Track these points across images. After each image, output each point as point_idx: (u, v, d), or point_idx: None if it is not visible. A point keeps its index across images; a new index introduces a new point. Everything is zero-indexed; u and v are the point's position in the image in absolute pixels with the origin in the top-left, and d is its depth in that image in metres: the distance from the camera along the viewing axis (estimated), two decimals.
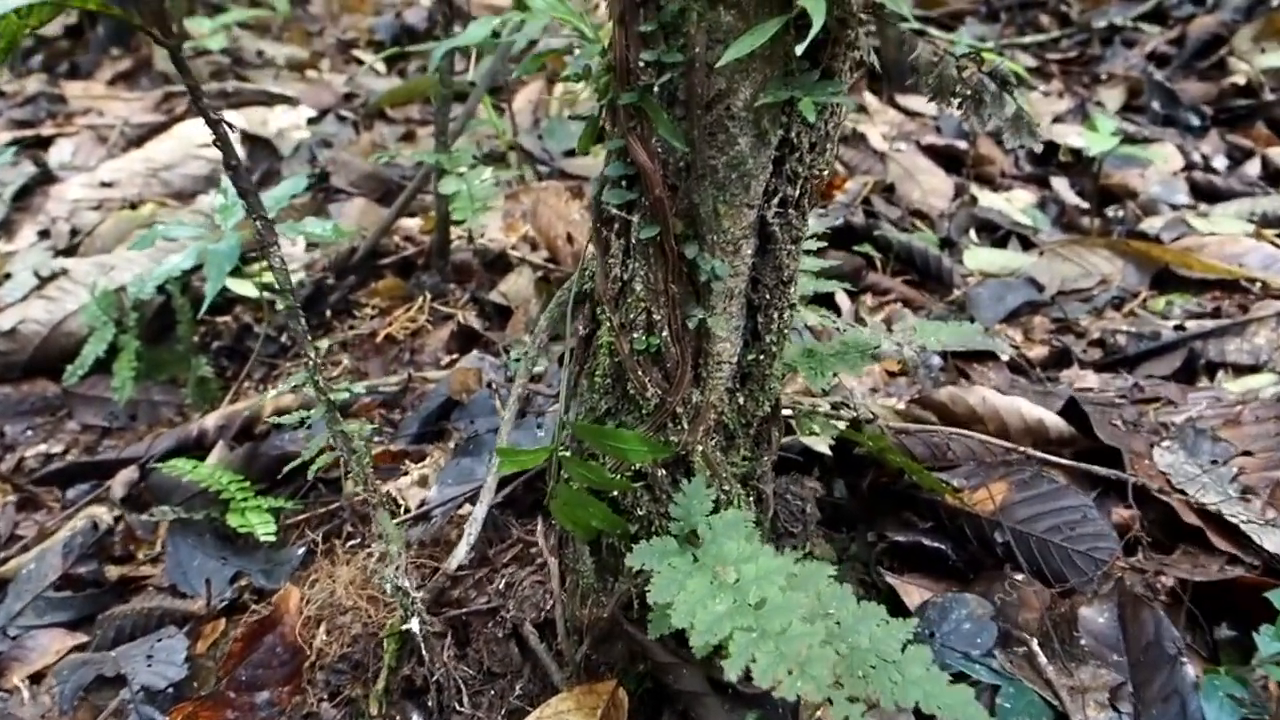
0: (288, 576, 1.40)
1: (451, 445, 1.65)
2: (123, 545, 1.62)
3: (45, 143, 3.21)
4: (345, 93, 3.47)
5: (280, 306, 1.02)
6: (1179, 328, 1.99)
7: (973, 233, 2.54)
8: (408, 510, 1.50)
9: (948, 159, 2.87)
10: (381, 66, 3.70)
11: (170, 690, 1.30)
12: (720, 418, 1.12)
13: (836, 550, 1.34)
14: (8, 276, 2.47)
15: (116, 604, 1.47)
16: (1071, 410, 1.56)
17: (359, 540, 1.52)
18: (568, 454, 1.10)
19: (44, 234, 2.73)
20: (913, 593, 1.28)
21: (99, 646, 1.41)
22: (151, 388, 2.10)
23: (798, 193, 1.02)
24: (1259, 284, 2.20)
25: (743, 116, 0.94)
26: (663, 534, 1.13)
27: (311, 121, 3.24)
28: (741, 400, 1.13)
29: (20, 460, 1.99)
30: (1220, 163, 2.89)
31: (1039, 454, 1.39)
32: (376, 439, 1.77)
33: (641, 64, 0.92)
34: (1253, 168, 2.84)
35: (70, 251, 2.56)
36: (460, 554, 1.17)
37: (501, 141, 2.64)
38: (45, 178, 2.97)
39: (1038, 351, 2.00)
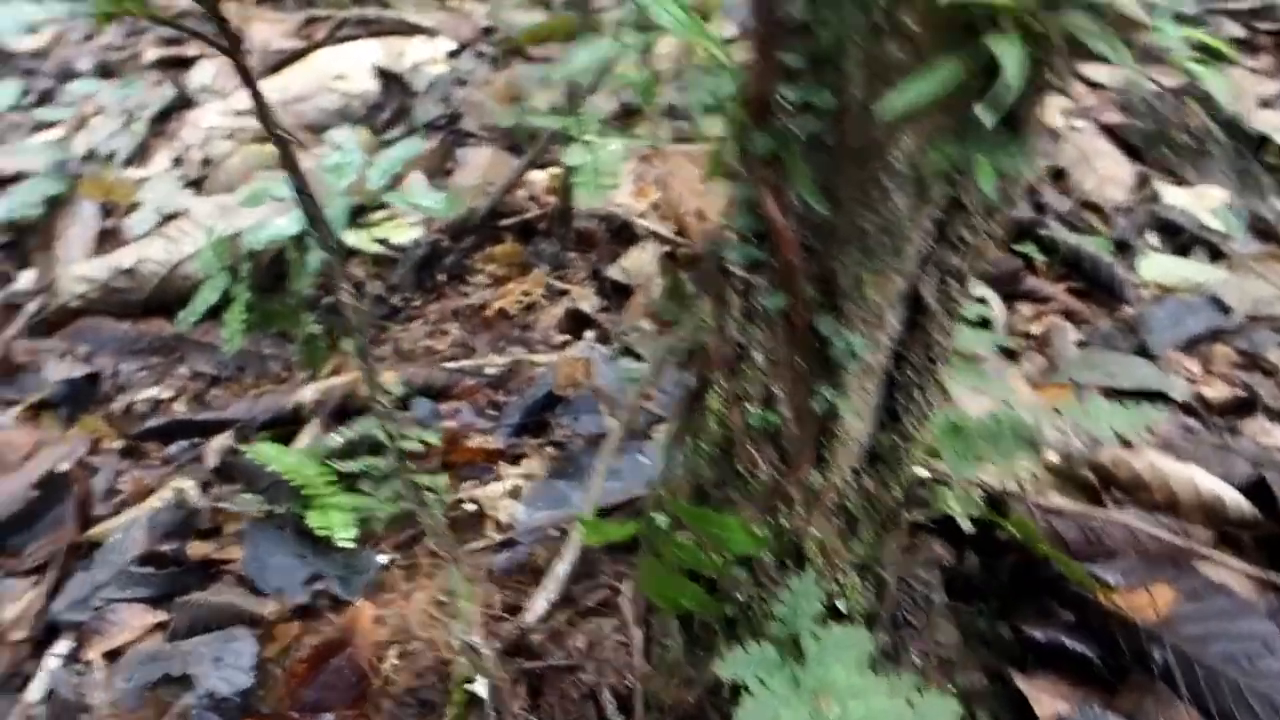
0: (363, 589, 1.32)
1: (550, 451, 1.54)
2: (209, 518, 1.57)
3: (188, 64, 3.19)
4: (485, 26, 3.33)
5: (351, 349, 0.91)
6: None
7: (1151, 235, 2.26)
8: (496, 523, 1.40)
9: (1131, 143, 2.57)
10: None
11: (236, 699, 1.24)
12: (842, 500, 0.97)
13: (962, 633, 1.18)
14: (135, 206, 2.47)
15: (196, 586, 1.42)
16: (1258, 488, 1.34)
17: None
18: (661, 527, 0.97)
19: (177, 161, 2.71)
20: (1046, 702, 1.11)
21: (174, 633, 1.36)
22: (261, 339, 2.05)
23: (962, 261, 0.84)
24: None
25: (902, 171, 0.76)
26: (762, 624, 0.99)
27: (450, 55, 3.13)
28: (869, 484, 0.97)
29: (130, 405, 1.98)
30: None
31: (1214, 554, 1.19)
32: (477, 425, 1.67)
33: (782, 103, 0.75)
34: None
35: (199, 184, 2.53)
36: (538, 609, 1.06)
37: (640, 96, 2.46)
38: (183, 102, 2.95)
39: (1217, 391, 1.75)
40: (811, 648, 0.88)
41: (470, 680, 1.03)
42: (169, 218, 2.33)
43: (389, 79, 2.87)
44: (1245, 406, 1.73)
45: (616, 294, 1.98)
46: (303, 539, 1.40)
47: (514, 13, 3.44)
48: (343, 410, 1.70)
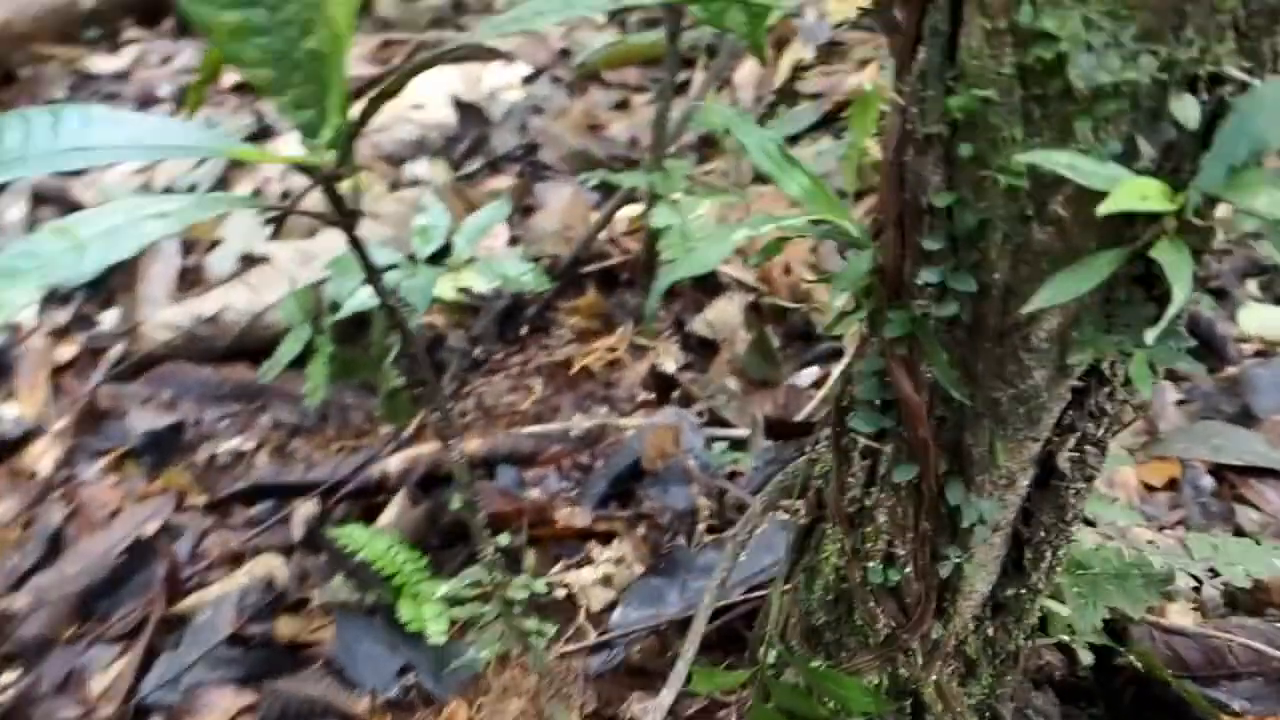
0: (456, 685, 1.31)
1: (640, 531, 1.52)
2: (296, 586, 1.57)
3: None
4: (562, 48, 3.31)
5: (455, 504, 0.89)
6: None
7: (1251, 282, 2.17)
8: (587, 611, 1.38)
9: None
10: (601, 17, 3.51)
11: None
12: (961, 647, 0.94)
13: None
14: (216, 244, 2.49)
15: (285, 669, 1.42)
16: None
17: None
18: (774, 675, 0.95)
19: (256, 193, 2.73)
20: None
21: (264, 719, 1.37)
22: (344, 390, 2.06)
23: (1100, 430, 0.80)
24: None
25: (1042, 349, 0.72)
26: None
27: (526, 81, 3.11)
28: (991, 632, 0.93)
29: (213, 456, 1.99)
30: None
31: None
32: (563, 494, 1.66)
33: (919, 284, 0.71)
34: None
35: (279, 221, 2.55)
36: None
37: (719, 130, 2.42)
38: (263, 130, 2.97)
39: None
40: None
41: None
42: (249, 260, 2.34)
43: (466, 109, 2.86)
44: None
45: (702, 349, 1.95)
46: (393, 627, 1.39)
47: (589, 34, 3.41)
48: (430, 479, 1.70)
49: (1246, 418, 1.77)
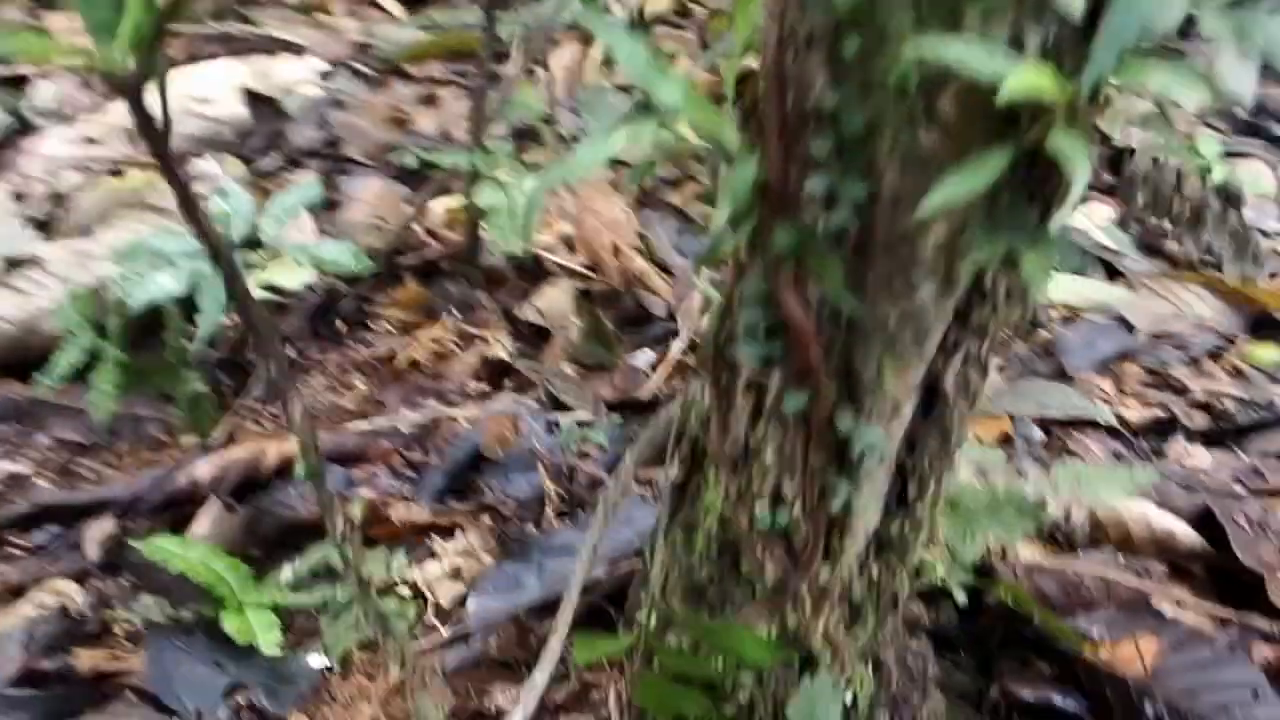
0: (295, 699, 1.19)
1: (486, 521, 1.43)
2: (95, 613, 1.40)
3: (21, 82, 2.91)
4: (360, 42, 3.16)
5: (300, 473, 0.79)
6: None
7: None
8: (438, 608, 1.28)
9: None
10: (401, 11, 3.38)
11: None
12: (847, 592, 0.91)
13: (947, 697, 1.14)
14: None
15: (89, 707, 1.25)
16: (1205, 520, 1.35)
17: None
18: (654, 634, 0.89)
19: (18, 197, 2.47)
20: None
21: None
22: (135, 401, 1.86)
23: (983, 348, 0.79)
24: None
25: (929, 260, 0.70)
26: None
27: (322, 76, 2.95)
28: (875, 573, 0.91)
29: None
30: None
31: (1180, 594, 1.18)
32: (398, 492, 1.56)
33: (806, 195, 0.68)
34: None
35: (46, 225, 2.30)
36: None
37: (534, 117, 2.36)
38: (22, 126, 2.69)
39: (1136, 413, 1.78)
40: None
41: None
42: (14, 264, 2.10)
43: (259, 102, 2.68)
44: (1164, 427, 1.76)
45: (533, 336, 1.88)
46: (217, 644, 1.25)
47: (388, 28, 3.28)
48: (245, 485, 1.55)
49: (1062, 376, 1.86)
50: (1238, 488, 1.56)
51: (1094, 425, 1.69)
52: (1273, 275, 2.20)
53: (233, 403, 1.83)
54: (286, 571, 1.16)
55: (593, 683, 1.12)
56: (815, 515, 0.81)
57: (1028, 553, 1.20)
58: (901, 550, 0.89)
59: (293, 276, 2.04)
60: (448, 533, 1.42)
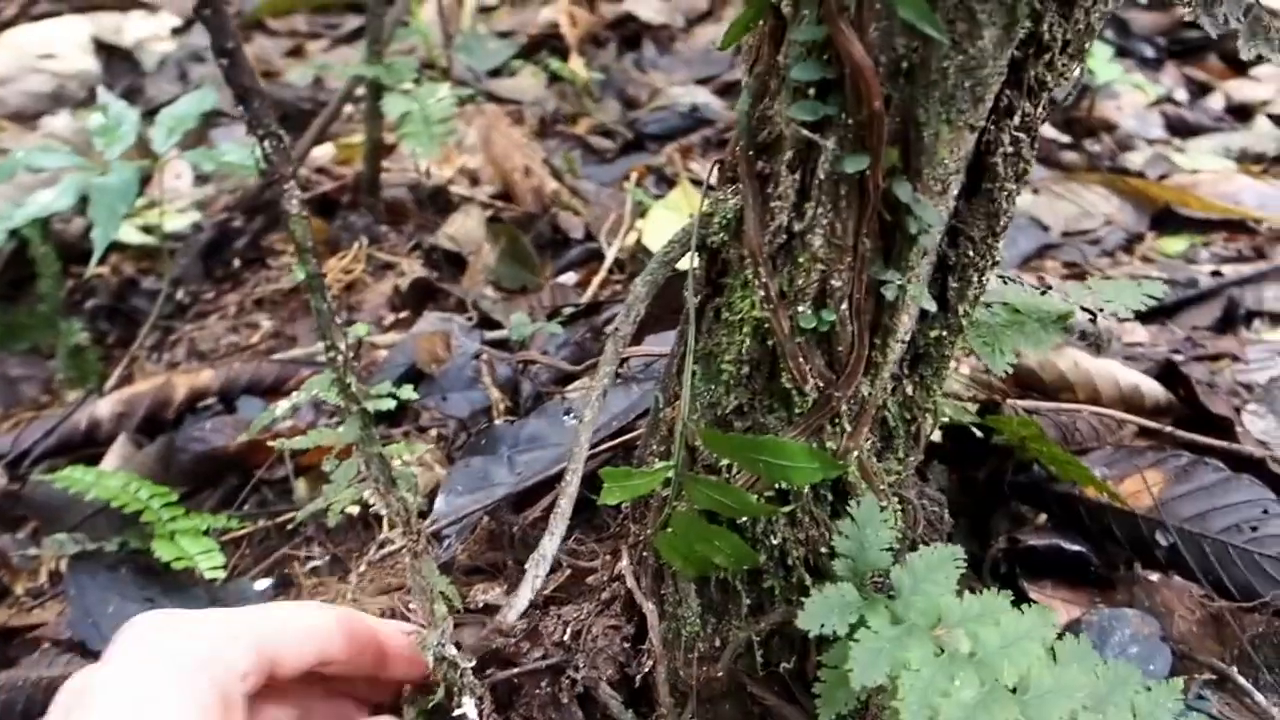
0: None
1: (434, 433, 1.32)
2: None
3: None
4: None
5: (298, 272, 0.68)
6: (1215, 274, 1.82)
7: None
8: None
9: None
10: None
11: None
12: (881, 413, 0.85)
13: None
14: None
15: (3, 663, 1.09)
16: (1167, 375, 1.35)
17: (324, 566, 1.19)
18: (691, 474, 0.81)
19: None
20: (1060, 609, 1.04)
21: None
22: (7, 359, 1.67)
23: (1035, 110, 0.74)
24: (1265, 225, 2.06)
25: None
26: (798, 570, 0.85)
27: (175, 33, 2.75)
28: (910, 390, 0.85)
29: None
30: (1181, 96, 2.75)
31: (1177, 432, 1.17)
32: (324, 422, 1.42)
33: None
34: (1215, 102, 2.71)
35: None
36: (521, 603, 0.86)
37: (432, 57, 2.24)
38: None
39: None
40: (902, 579, 0.75)
41: (458, 714, 0.82)
42: None
43: (113, 55, 2.47)
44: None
45: (449, 263, 1.77)
46: (148, 577, 1.11)
47: None
48: (153, 422, 1.39)
49: None
50: (1178, 356, 1.58)
51: None
52: (1163, 177, 2.28)
53: (120, 354, 1.66)
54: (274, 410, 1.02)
55: (586, 569, 1.03)
56: (861, 314, 0.75)
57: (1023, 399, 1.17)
58: (937, 363, 0.84)
59: (174, 219, 1.87)
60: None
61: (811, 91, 0.68)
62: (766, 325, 0.76)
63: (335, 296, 1.67)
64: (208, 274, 1.75)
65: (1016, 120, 0.73)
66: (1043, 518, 1.13)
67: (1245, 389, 1.46)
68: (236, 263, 1.76)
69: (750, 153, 0.73)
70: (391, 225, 1.86)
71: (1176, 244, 2.00)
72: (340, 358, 0.71)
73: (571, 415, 1.18)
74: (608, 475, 0.77)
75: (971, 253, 0.78)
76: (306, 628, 0.76)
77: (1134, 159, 2.39)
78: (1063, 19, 0.69)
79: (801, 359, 0.76)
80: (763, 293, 0.75)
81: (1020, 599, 1.05)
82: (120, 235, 1.76)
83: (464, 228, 1.84)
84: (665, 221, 1.77)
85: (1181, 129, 2.56)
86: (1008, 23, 0.66)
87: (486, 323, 1.58)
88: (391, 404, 0.74)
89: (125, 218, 1.69)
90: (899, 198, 0.70)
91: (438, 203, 1.94)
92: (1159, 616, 1.04)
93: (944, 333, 0.82)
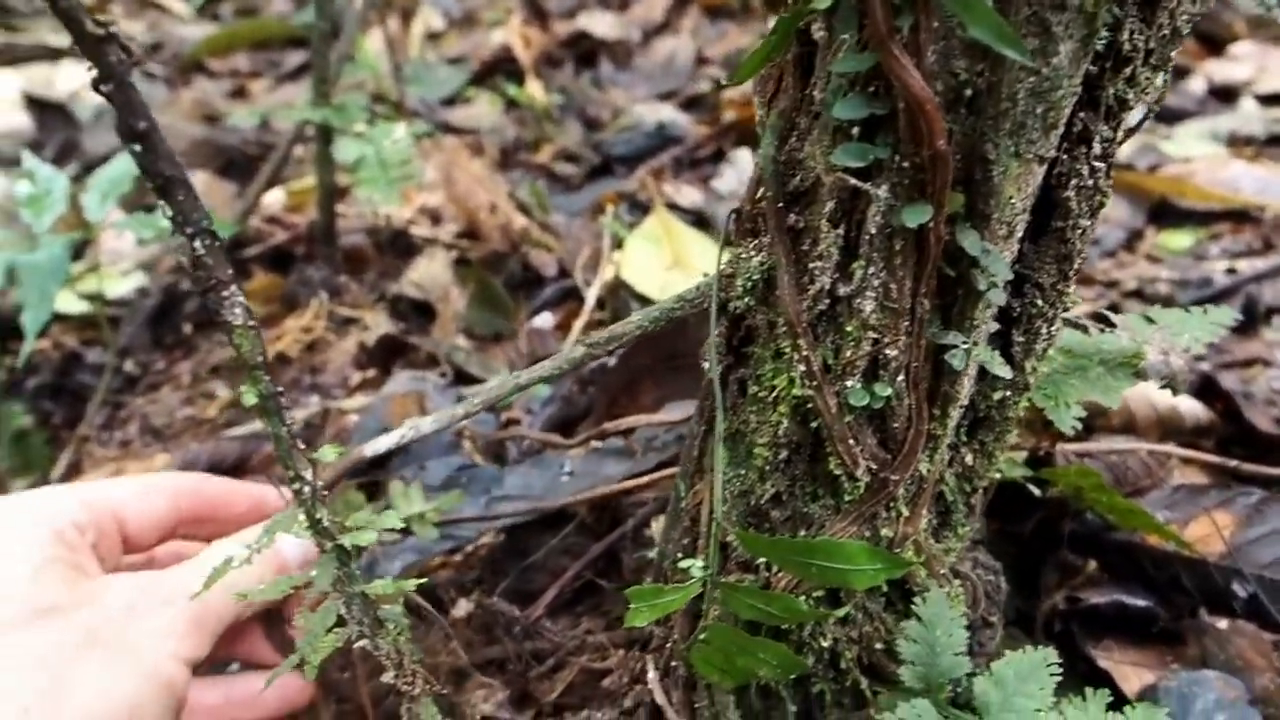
0: None
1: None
2: None
3: None
4: (149, 43, 2.81)
5: (249, 398, 0.56)
6: (1230, 271, 1.72)
7: None
8: None
9: None
10: (185, 9, 3.04)
11: None
12: (938, 488, 0.74)
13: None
14: None
15: None
16: (1204, 389, 1.26)
17: None
18: (729, 581, 0.69)
19: None
20: (1130, 675, 0.94)
21: None
22: None
23: (1116, 135, 0.63)
24: (1268, 213, 1.97)
25: (1074, 5, 0.53)
26: (851, 674, 0.74)
27: None
28: (969, 459, 0.74)
29: None
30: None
31: (1248, 466, 1.07)
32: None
33: None
34: (1197, 85, 2.64)
35: None
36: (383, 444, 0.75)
37: (382, 89, 2.12)
38: None
39: (1074, 312, 1.69)
40: (990, 694, 0.64)
41: None
42: None
43: (46, 110, 2.32)
44: (1107, 320, 1.67)
45: (415, 314, 1.64)
46: None
47: (178, 28, 2.94)
48: None
49: None
50: (1204, 366, 1.49)
51: None
52: (1154, 167, 2.20)
53: (68, 436, 1.51)
54: None
55: (600, 670, 0.91)
56: (919, 384, 0.63)
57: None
58: (1001, 425, 0.73)
59: (117, 284, 1.74)
60: None
61: (856, 131, 0.56)
62: (809, 404, 0.64)
63: (295, 359, 1.54)
64: (157, 342, 1.61)
65: (1094, 148, 0.62)
66: (1092, 565, 1.02)
67: None
68: (187, 328, 1.62)
69: (779, 204, 0.62)
70: (351, 275, 1.73)
71: (1181, 239, 1.91)
72: (307, 489, 0.58)
73: (568, 471, 1.07)
74: (634, 595, 0.65)
75: (1040, 301, 0.67)
76: (144, 487, 0.81)
77: (1120, 150, 2.30)
78: (1144, 24, 0.58)
79: (852, 440, 0.64)
80: (804, 367, 0.63)
81: (1082, 662, 0.95)
82: (59, 306, 1.62)
83: (429, 273, 1.71)
84: (644, 254, 1.66)
85: (1165, 115, 2.48)
86: (1086, 34, 0.55)
87: (461, 377, 1.45)
88: (373, 538, 0.62)
89: (65, 284, 1.56)
90: (964, 248, 0.58)
91: (399, 247, 1.81)
92: (1238, 673, 0.93)
93: (1008, 393, 0.71)
